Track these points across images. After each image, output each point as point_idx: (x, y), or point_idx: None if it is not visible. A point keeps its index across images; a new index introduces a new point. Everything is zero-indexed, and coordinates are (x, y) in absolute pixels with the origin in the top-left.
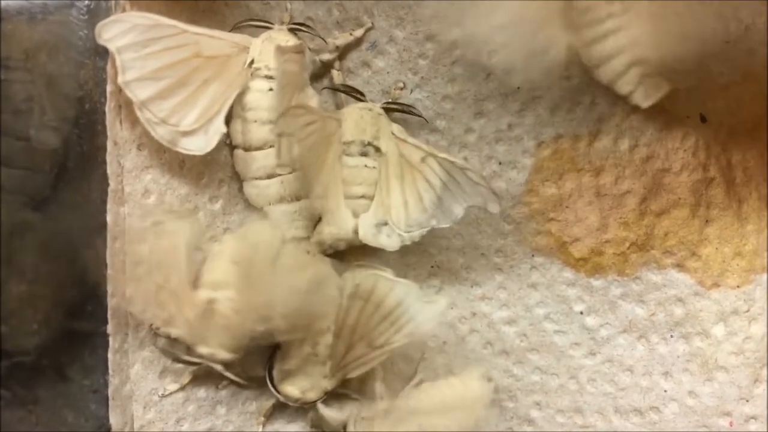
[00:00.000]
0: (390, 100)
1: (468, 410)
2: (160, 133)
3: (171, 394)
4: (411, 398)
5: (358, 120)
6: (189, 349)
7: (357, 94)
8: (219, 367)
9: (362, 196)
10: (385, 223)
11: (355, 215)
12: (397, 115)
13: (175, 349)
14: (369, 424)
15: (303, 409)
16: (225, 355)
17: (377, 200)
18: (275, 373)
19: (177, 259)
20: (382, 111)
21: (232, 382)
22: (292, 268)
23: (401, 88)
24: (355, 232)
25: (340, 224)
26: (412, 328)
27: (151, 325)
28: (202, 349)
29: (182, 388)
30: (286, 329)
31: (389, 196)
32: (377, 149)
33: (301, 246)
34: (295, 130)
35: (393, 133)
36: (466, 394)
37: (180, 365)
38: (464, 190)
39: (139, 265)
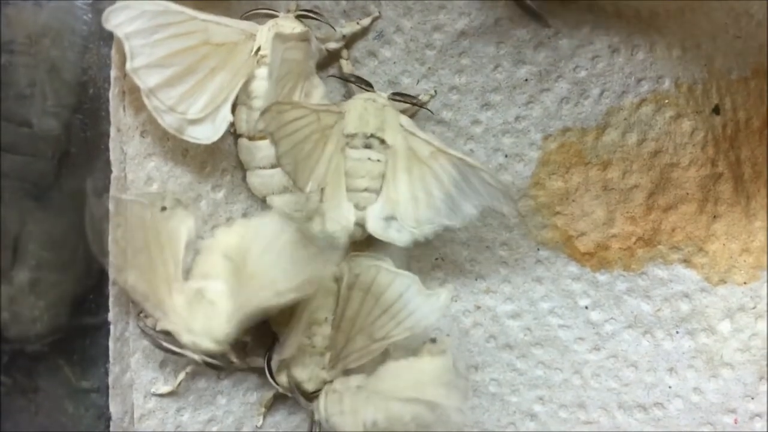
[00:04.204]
0: (397, 92)
1: (430, 392)
2: (168, 121)
3: (163, 395)
4: (383, 379)
5: (361, 112)
6: (174, 340)
7: (364, 85)
8: (197, 357)
9: (365, 189)
10: (394, 218)
11: (359, 208)
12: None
13: (158, 337)
14: (339, 397)
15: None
16: (208, 344)
17: (385, 194)
18: (273, 364)
19: (176, 248)
20: (388, 102)
21: (214, 367)
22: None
23: (432, 96)
24: (358, 225)
25: (342, 218)
26: (413, 321)
27: (139, 313)
28: (186, 338)
29: (175, 390)
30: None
31: (397, 191)
32: (382, 141)
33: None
34: (278, 127)
35: (402, 125)
36: (424, 373)
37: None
38: (478, 190)
39: (140, 252)
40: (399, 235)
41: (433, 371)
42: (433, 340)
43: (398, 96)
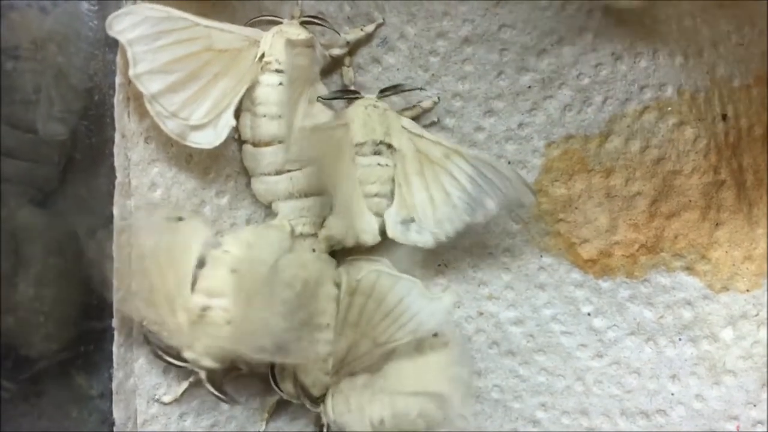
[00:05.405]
0: (384, 87)
1: (434, 383)
2: (170, 126)
3: (165, 404)
4: (388, 377)
5: (365, 119)
6: (177, 353)
7: (352, 95)
8: (201, 373)
9: (376, 194)
10: (412, 220)
11: (375, 214)
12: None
13: (161, 347)
14: (345, 397)
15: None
16: (208, 362)
17: (398, 197)
18: (277, 370)
19: (185, 260)
20: (387, 105)
21: (211, 393)
22: (290, 282)
23: (435, 102)
24: (382, 232)
25: (366, 227)
26: (416, 324)
27: (142, 322)
28: (187, 354)
29: (177, 400)
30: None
31: (411, 193)
32: (389, 146)
33: (306, 243)
34: (309, 154)
35: (404, 127)
36: (428, 366)
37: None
38: (494, 184)
39: (144, 260)
40: (420, 237)
41: (437, 364)
42: (436, 334)
43: (387, 91)
